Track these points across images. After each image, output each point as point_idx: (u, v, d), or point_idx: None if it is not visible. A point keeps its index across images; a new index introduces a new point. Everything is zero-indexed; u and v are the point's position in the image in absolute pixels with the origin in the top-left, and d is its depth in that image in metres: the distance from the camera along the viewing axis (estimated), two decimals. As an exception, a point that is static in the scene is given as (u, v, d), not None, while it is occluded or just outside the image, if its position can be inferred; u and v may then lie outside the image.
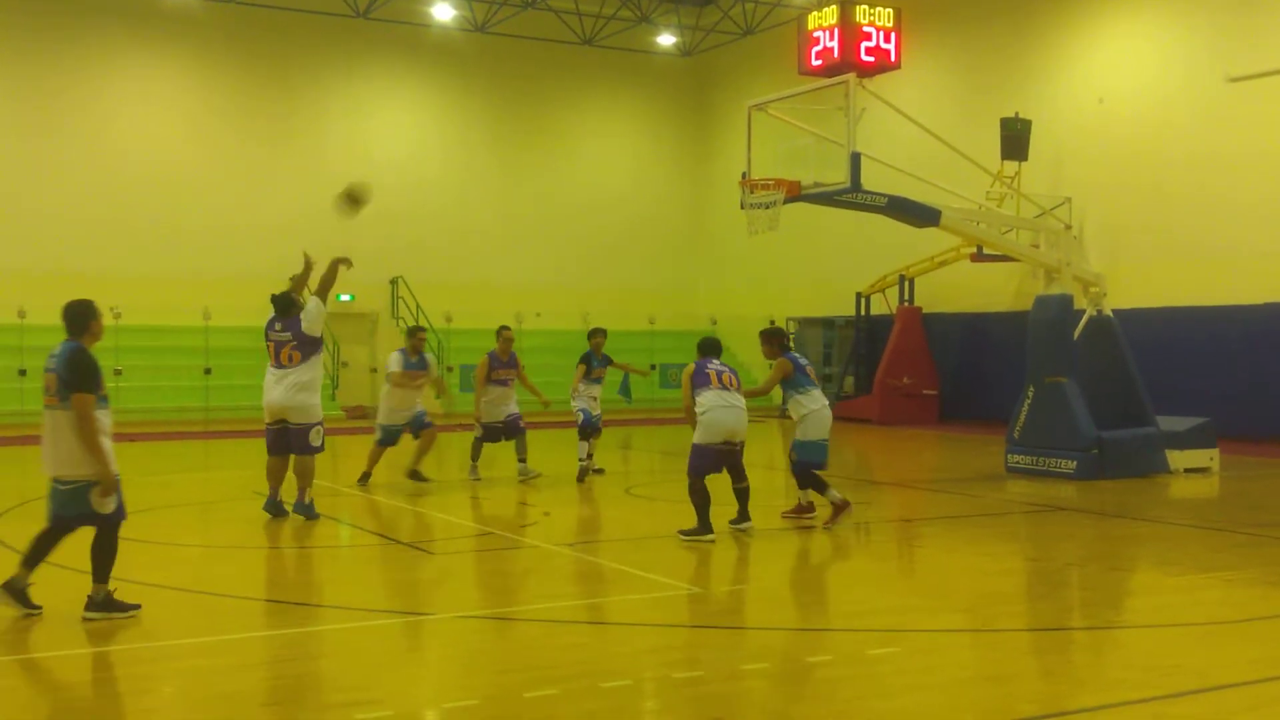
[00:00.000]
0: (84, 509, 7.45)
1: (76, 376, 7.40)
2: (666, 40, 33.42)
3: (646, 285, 32.72)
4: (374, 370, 28.43)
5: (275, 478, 11.88)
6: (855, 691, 6.22)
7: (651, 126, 34.57)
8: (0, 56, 27.13)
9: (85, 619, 7.49)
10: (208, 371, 26.47)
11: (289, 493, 11.94)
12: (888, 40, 24.89)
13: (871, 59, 24.79)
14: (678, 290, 33.32)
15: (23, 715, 5.88)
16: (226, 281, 27.90)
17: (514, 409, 15.04)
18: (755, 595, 8.80)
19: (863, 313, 28.09)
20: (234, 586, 8.95)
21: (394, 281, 30.45)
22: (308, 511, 11.78)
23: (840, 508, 11.32)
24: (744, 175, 16.07)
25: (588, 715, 5.81)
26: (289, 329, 11.86)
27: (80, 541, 7.67)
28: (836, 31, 25.62)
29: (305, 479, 11.76)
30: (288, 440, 11.73)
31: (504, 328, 15.35)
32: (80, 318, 7.65)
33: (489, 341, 15.46)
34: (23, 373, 24.65)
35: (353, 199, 11.07)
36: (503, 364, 15.01)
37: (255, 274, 28.64)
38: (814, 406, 11.23)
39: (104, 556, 7.57)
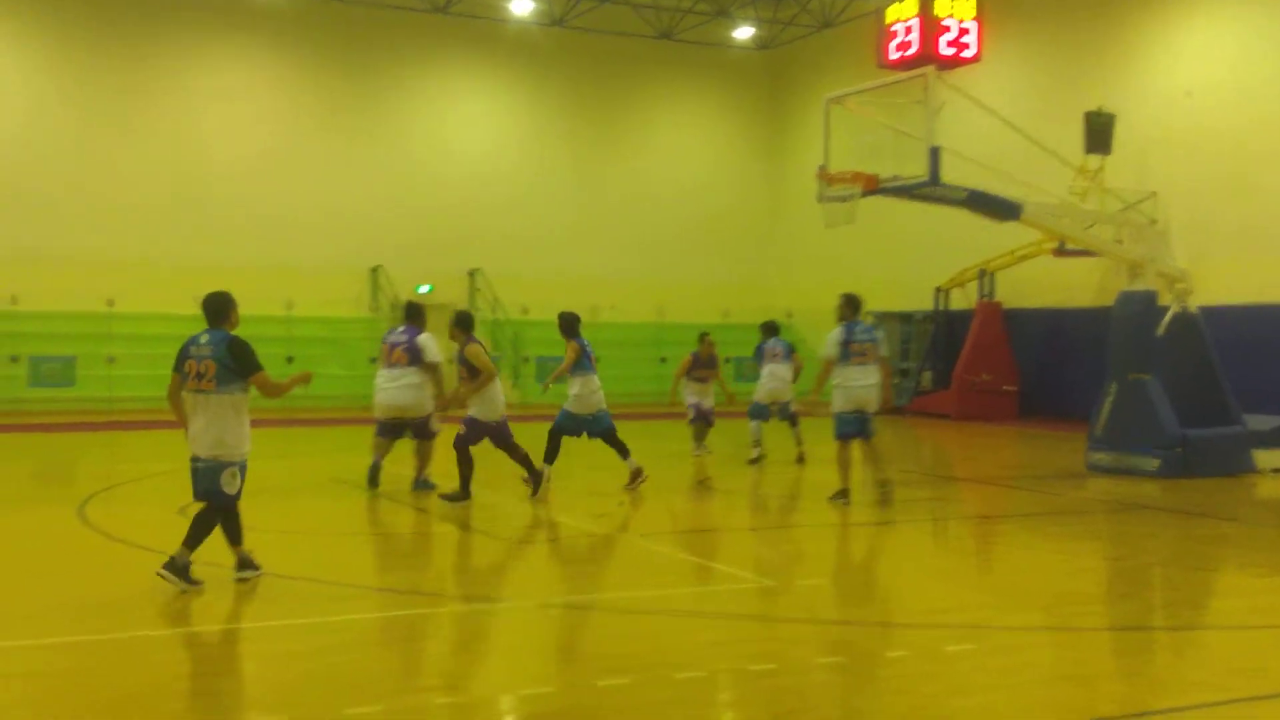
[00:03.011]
0: (212, 486, 8.07)
1: (245, 361, 8.04)
2: (743, 34, 33.30)
3: (721, 279, 32.66)
4: (451, 361, 28.64)
5: (381, 450, 13.05)
6: (931, 688, 6.18)
7: (727, 120, 34.48)
8: (89, 52, 27.73)
9: (158, 573, 7.92)
10: (290, 360, 26.88)
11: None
12: (968, 33, 24.59)
13: (951, 51, 24.52)
14: (752, 284, 33.20)
15: (110, 692, 6.03)
16: (308, 272, 28.33)
17: (706, 402, 16.78)
18: (831, 589, 8.77)
19: (941, 307, 27.80)
20: (316, 571, 9.10)
21: (472, 273, 30.71)
22: (426, 485, 12.89)
23: (638, 469, 13.11)
24: (821, 168, 15.96)
25: (661, 705, 5.84)
26: (407, 334, 13.08)
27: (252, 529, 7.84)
28: (916, 24, 25.39)
29: (425, 460, 13.03)
30: (403, 429, 13.06)
31: (705, 334, 17.23)
32: (223, 308, 8.26)
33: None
34: (111, 360, 25.25)
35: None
36: (702, 364, 16.72)
37: (336, 265, 29.15)
38: (593, 387, 13.11)
39: (201, 529, 8.11)
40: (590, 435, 13.37)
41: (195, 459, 8.13)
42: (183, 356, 8.17)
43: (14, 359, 24.85)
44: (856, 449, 12.44)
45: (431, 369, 13.05)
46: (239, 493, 8.21)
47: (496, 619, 7.83)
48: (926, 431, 23.28)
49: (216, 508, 8.15)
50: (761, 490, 14.38)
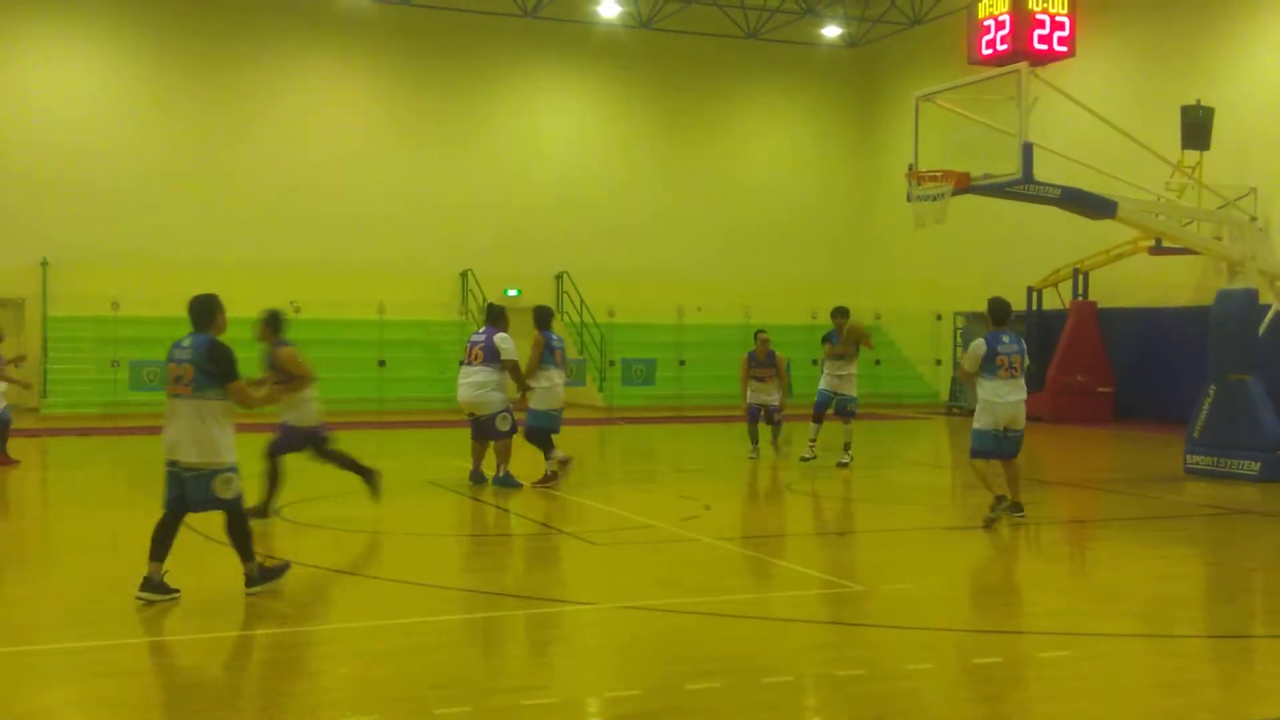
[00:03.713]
0: (208, 495, 7.86)
1: (224, 368, 7.85)
2: (832, 32, 33.08)
3: (808, 279, 32.44)
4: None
5: (475, 455, 13.61)
6: (1022, 695, 6.09)
7: (815, 119, 34.27)
8: (188, 61, 28.39)
9: (250, 594, 7.98)
10: (382, 364, 27.27)
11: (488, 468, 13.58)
12: (1061, 27, 24.16)
13: (1044, 47, 24.12)
14: (841, 284, 32.85)
15: (201, 694, 6.17)
16: (399, 276, 28.73)
17: (772, 400, 16.52)
18: (921, 595, 8.67)
19: (1034, 308, 27.34)
20: (405, 572, 9.22)
21: (559, 276, 30.89)
22: (508, 482, 13.27)
23: (552, 473, 13.30)
24: (911, 167, 15.79)
25: (749, 709, 5.82)
26: (486, 334, 13.42)
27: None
28: (1008, 19, 24.99)
29: (502, 457, 13.35)
30: (481, 428, 13.37)
31: (759, 331, 16.92)
32: (207, 312, 8.06)
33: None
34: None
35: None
36: (759, 364, 16.51)
37: (426, 269, 29.53)
38: (558, 381, 13.53)
39: (242, 538, 8.04)
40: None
41: (174, 464, 7.92)
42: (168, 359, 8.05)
43: (115, 363, 25.51)
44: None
45: (509, 367, 13.31)
46: (240, 497, 8.02)
47: (584, 621, 7.86)
48: (1019, 433, 22.93)
49: (234, 513, 8.01)
50: (847, 493, 14.27)
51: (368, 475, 11.82)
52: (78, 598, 8.31)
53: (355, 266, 28.58)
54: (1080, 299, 26.19)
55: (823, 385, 16.19)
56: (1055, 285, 26.96)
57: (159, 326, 26.48)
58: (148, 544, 7.92)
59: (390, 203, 29.53)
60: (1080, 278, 26.19)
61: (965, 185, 15.07)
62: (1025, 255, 27.29)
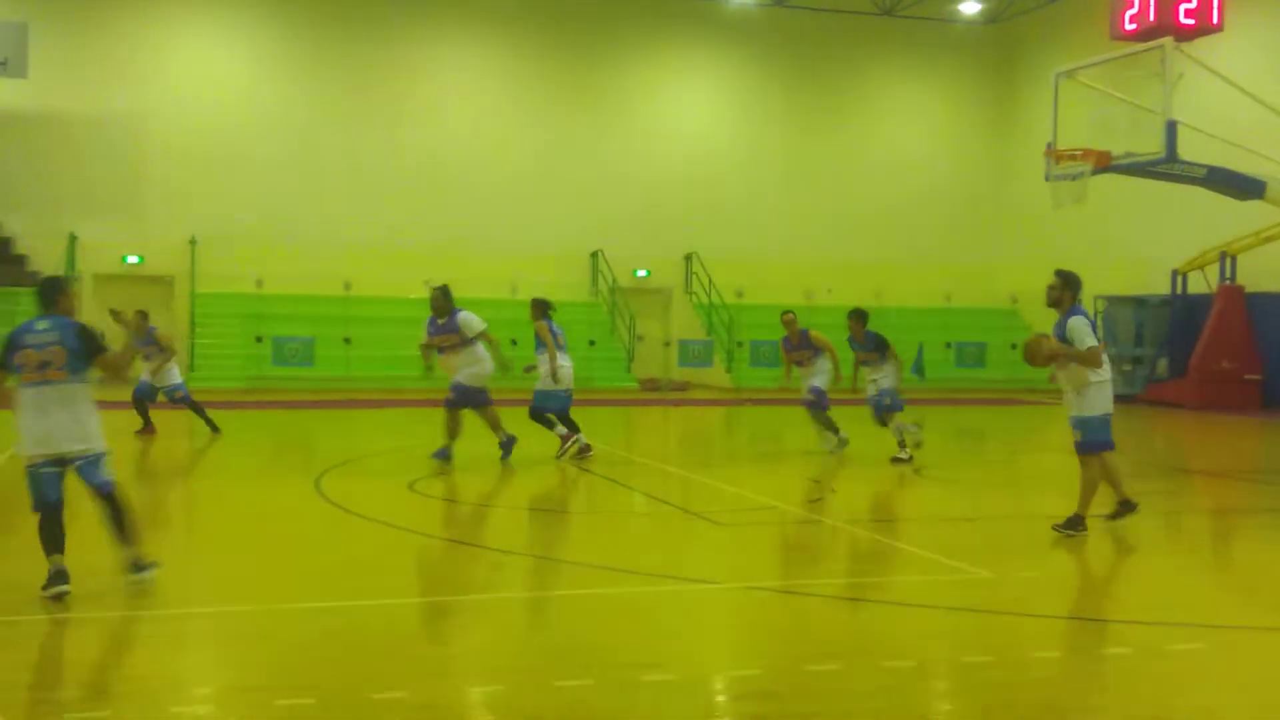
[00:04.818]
0: (102, 479, 7.41)
1: (96, 342, 7.45)
2: (969, 8, 32.41)
3: (943, 261, 31.94)
4: (667, 344, 29.01)
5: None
6: (1151, 687, 5.95)
7: (951, 98, 33.64)
8: (328, 44, 29.10)
9: (131, 581, 7.44)
10: (514, 343, 27.65)
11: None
12: (1208, 1, 23.26)
13: (1191, 21, 23.23)
14: (976, 266, 32.34)
15: (361, 654, 6.37)
16: (531, 257, 29.07)
17: (814, 382, 14.92)
18: (1051, 583, 8.51)
19: (1179, 291, 26.49)
20: (535, 547, 9.37)
21: (688, 257, 30.92)
22: (506, 448, 13.47)
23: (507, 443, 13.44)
24: (1049, 146, 15.46)
25: (870, 693, 5.80)
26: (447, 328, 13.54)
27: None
28: (1153, -7, 24.14)
29: (491, 423, 13.55)
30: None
31: (785, 312, 15.40)
32: (58, 292, 7.60)
33: (779, 316, 15.49)
34: (348, 340, 26.51)
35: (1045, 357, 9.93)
36: (793, 346, 15.12)
37: (558, 250, 29.82)
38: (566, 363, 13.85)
39: (124, 520, 7.48)
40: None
41: (57, 462, 7.33)
42: (13, 346, 7.35)
43: (259, 339, 26.36)
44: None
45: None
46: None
47: (706, 600, 7.90)
48: (1161, 422, 22.26)
49: (118, 498, 7.45)
50: (978, 478, 14.04)
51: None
52: (215, 564, 8.65)
53: (488, 247, 29.01)
54: (1227, 283, 25.27)
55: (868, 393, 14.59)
56: (1201, 268, 26.06)
57: (301, 304, 27.38)
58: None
59: (524, 183, 29.90)
60: (1227, 261, 25.26)
61: (1106, 164, 14.73)
62: (1169, 237, 26.43)
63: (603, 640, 6.81)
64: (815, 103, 32.40)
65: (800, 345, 15.04)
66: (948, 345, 29.39)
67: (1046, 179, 15.20)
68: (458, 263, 28.20)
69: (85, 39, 27.68)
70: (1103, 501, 9.93)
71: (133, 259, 27.77)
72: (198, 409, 16.55)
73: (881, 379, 14.43)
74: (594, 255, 30.24)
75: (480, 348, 13.43)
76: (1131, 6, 24.28)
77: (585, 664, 6.21)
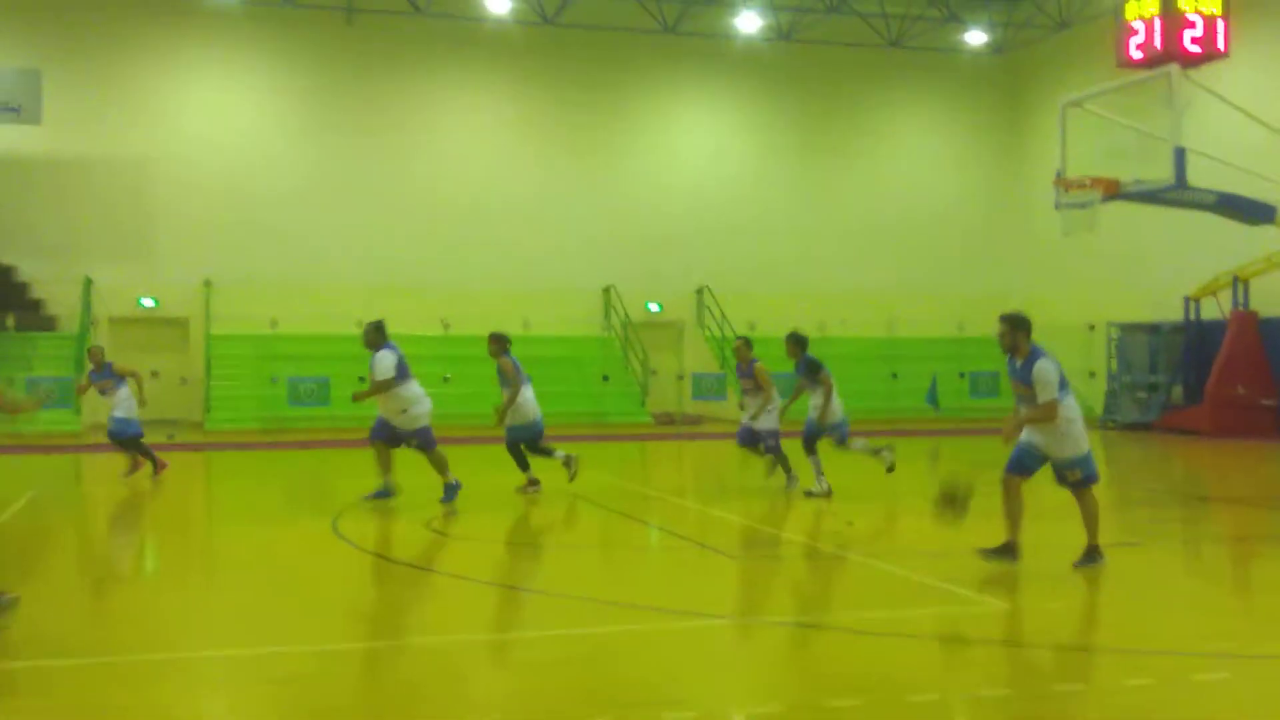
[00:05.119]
0: None
1: None
2: (975, 38, 32.56)
3: (956, 290, 31.96)
4: (680, 378, 29.03)
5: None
6: (1176, 717, 5.92)
7: (960, 127, 33.77)
8: (339, 89, 29.37)
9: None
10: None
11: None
12: (1214, 27, 23.36)
13: (1197, 49, 23.30)
14: (989, 295, 32.26)
15: (364, 697, 6.37)
16: (543, 293, 29.20)
17: (762, 422, 14.25)
18: (1070, 614, 8.48)
19: (1192, 318, 26.45)
20: (542, 583, 9.37)
21: (700, 291, 30.99)
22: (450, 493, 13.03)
23: (531, 482, 13.84)
24: (1058, 174, 15.49)
25: (891, 727, 5.78)
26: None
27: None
28: (1157, 21, 24.26)
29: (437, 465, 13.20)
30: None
31: (739, 338, 15.02)
32: None
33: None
34: (363, 380, 26.53)
35: (952, 500, 10.10)
36: (741, 373, 14.71)
37: (571, 286, 29.92)
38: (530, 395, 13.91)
39: None
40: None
41: None
42: None
43: (274, 380, 26.45)
44: None
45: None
46: None
47: (725, 636, 7.89)
48: (1177, 449, 22.18)
49: None
50: (997, 509, 13.97)
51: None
52: (236, 605, 8.66)
53: (500, 284, 29.13)
54: (1240, 308, 25.24)
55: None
56: (1214, 294, 26.05)
57: (315, 344, 27.47)
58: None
59: (534, 220, 30.05)
60: (1240, 286, 25.24)
61: (1115, 192, 14.75)
62: (1181, 263, 26.43)
63: (621, 677, 6.80)
64: (825, 134, 32.54)
65: (743, 374, 14.58)
66: (961, 375, 29.36)
67: (1056, 207, 15.22)
68: (470, 299, 28.35)
69: (98, 85, 27.97)
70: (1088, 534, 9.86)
71: (148, 302, 27.95)
72: (145, 450, 16.00)
73: (814, 407, 14.02)
74: (606, 290, 30.33)
75: (403, 389, 12.99)
76: (1138, 34, 24.38)
77: (604, 702, 6.19)
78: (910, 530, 12.70)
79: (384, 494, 12.97)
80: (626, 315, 30.07)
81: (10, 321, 26.28)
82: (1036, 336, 9.52)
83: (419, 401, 13.08)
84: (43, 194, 27.43)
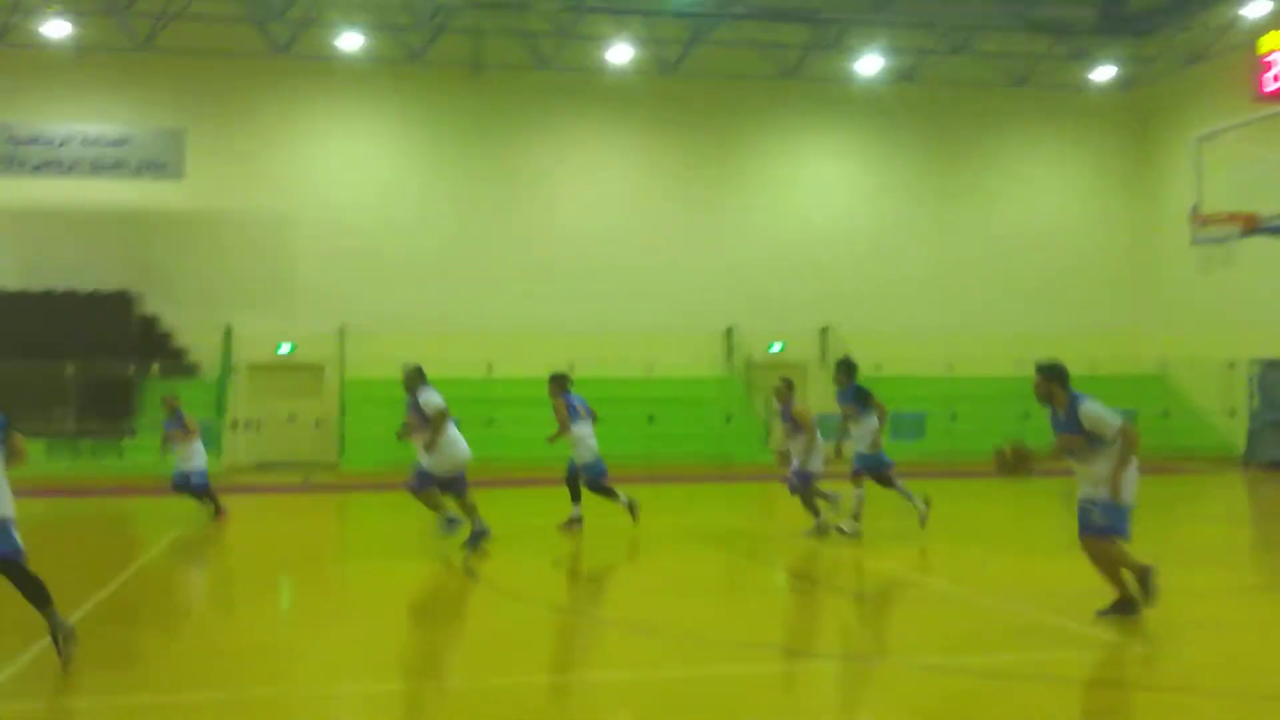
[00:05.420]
0: (11, 545, 7.48)
1: (8, 418, 7.66)
2: (1103, 75, 32.02)
3: (1085, 329, 31.25)
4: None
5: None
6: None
7: (1088, 164, 33.17)
8: (465, 141, 30.06)
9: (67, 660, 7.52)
10: (651, 420, 27.88)
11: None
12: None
13: (1338, 78, 22.64)
14: (1120, 332, 31.61)
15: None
16: (666, 335, 29.38)
17: (809, 465, 14.12)
18: (1212, 658, 8.23)
19: (1338, 354, 25.53)
20: (670, 623, 9.41)
21: (824, 331, 30.87)
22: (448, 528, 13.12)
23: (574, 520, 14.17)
24: (1193, 210, 15.16)
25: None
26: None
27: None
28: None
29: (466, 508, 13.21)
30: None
31: (783, 379, 14.81)
32: None
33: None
34: (489, 421, 27.02)
35: (1011, 467, 9.94)
36: (784, 416, 14.56)
37: (695, 328, 30.07)
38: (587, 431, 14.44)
39: (35, 587, 7.54)
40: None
41: None
42: None
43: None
44: None
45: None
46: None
47: (861, 677, 7.83)
48: (1324, 489, 21.36)
49: (23, 566, 7.53)
50: (1137, 552, 13.61)
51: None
52: (369, 643, 8.87)
53: (624, 327, 29.40)
54: (1392, 343, 24.28)
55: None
56: (1361, 329, 25.11)
57: (445, 387, 27.67)
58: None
59: (656, 264, 30.28)
60: (1390, 321, 24.30)
61: (1254, 226, 14.39)
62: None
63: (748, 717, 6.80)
64: (949, 174, 32.24)
65: (785, 417, 14.37)
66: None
67: (1193, 244, 14.87)
68: (594, 343, 28.63)
69: (237, 142, 29.06)
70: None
71: (285, 349, 28.83)
72: (212, 496, 16.28)
73: (859, 438, 13.91)
74: (728, 331, 30.40)
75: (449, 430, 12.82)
76: (1273, 66, 23.77)
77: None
78: (1047, 571, 12.45)
79: (479, 535, 12.78)
80: (749, 356, 30.08)
81: (155, 368, 27.34)
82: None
83: (456, 443, 13.06)
84: (185, 246, 28.55)
